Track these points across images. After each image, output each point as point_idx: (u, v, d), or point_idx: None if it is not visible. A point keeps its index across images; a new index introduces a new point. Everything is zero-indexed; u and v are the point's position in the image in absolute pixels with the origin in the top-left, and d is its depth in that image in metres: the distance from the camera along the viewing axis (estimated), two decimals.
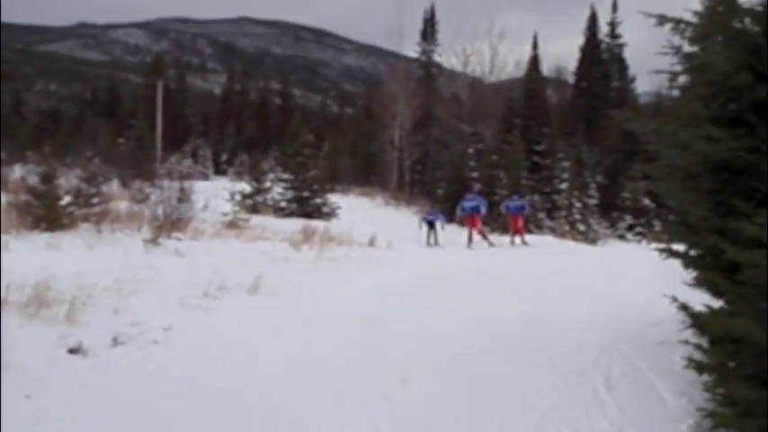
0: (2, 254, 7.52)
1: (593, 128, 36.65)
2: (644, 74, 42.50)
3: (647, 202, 29.59)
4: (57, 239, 9.79)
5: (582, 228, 27.34)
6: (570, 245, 19.19)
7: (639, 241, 25.85)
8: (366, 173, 38.89)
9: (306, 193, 23.12)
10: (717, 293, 4.41)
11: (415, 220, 20.61)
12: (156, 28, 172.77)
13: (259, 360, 5.47)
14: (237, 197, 21.20)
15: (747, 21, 4.06)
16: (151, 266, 8.40)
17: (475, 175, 28.46)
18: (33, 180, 12.32)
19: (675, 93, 5.36)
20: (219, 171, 52.33)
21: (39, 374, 4.60)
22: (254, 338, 6.19)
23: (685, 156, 4.40)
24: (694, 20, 4.37)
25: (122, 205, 14.40)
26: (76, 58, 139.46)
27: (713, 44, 4.30)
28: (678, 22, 4.40)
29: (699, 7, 4.37)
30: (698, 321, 4.45)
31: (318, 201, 23.25)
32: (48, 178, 11.68)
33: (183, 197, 13.35)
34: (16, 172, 20.52)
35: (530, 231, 19.55)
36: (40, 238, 9.87)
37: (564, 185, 29.00)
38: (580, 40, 41.64)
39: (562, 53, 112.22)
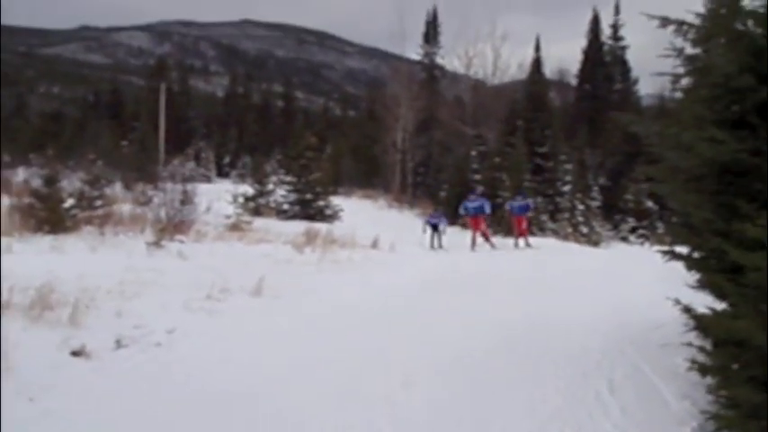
0: (5, 256, 7.54)
1: (596, 130, 36.60)
2: (647, 76, 42.53)
3: (649, 204, 29.55)
4: (60, 242, 9.80)
5: (585, 230, 27.30)
6: (573, 247, 19.15)
7: (642, 243, 25.85)
8: (369, 175, 38.89)
9: (308, 196, 23.11)
10: (720, 296, 4.40)
11: (418, 222, 20.59)
12: (158, 31, 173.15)
13: (262, 362, 5.47)
14: (240, 200, 21.20)
15: (750, 23, 4.06)
16: (154, 269, 8.41)
17: (477, 177, 28.42)
18: (36, 183, 12.36)
19: (678, 95, 5.36)
20: (222, 173, 52.38)
21: (42, 377, 4.61)
22: (257, 341, 6.19)
23: (688, 158, 4.40)
24: (697, 22, 4.37)
25: (125, 208, 14.41)
26: (79, 61, 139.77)
27: (716, 46, 4.30)
28: (681, 24, 4.41)
29: (701, 9, 4.37)
30: (701, 324, 4.45)
31: (321, 203, 23.24)
32: (51, 181, 11.71)
33: (186, 200, 13.36)
34: (19, 175, 20.58)
35: (532, 233, 19.50)
36: (44, 241, 9.88)
37: (567, 188, 28.93)
38: (583, 42, 41.64)
39: (565, 55, 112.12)
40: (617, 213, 31.44)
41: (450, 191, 29.42)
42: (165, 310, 6.68)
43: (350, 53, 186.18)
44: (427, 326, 6.96)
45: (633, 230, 30.32)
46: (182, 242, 11.07)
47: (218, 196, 17.90)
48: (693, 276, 4.96)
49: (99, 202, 12.53)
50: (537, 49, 33.81)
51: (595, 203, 30.41)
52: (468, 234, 17.34)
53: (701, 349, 4.21)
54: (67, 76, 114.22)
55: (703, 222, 4.44)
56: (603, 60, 41.18)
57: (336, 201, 24.49)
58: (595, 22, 41.24)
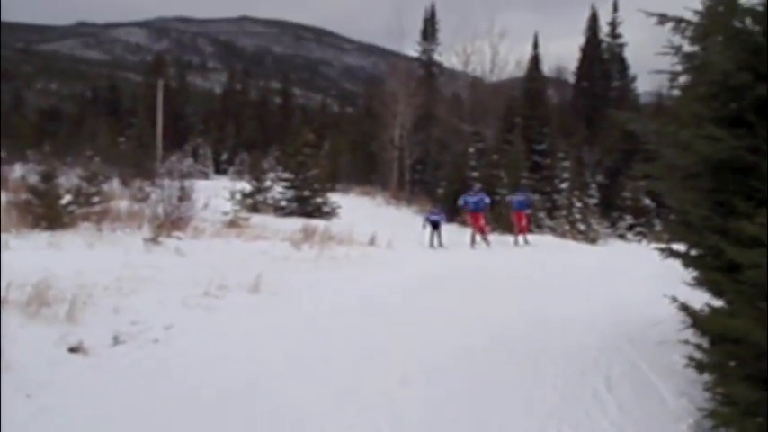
0: (2, 253, 7.52)
1: (594, 127, 36.62)
2: (644, 74, 42.37)
3: (647, 201, 29.56)
4: (57, 238, 9.79)
5: (582, 227, 27.30)
6: (570, 244, 19.17)
7: (640, 241, 25.83)
8: (366, 172, 38.85)
9: (306, 193, 23.11)
10: (717, 293, 4.41)
11: (416, 219, 20.57)
12: (156, 27, 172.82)
13: (260, 359, 5.47)
14: (238, 196, 21.20)
15: (748, 20, 4.06)
16: (152, 265, 8.40)
17: (475, 174, 28.38)
18: (34, 179, 12.32)
19: (676, 92, 5.36)
20: (220, 170, 52.28)
21: (39, 373, 4.61)
22: (254, 337, 6.19)
23: (686, 155, 4.40)
24: (695, 19, 4.37)
25: (123, 204, 14.39)
26: (77, 57, 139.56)
27: (714, 44, 4.30)
28: (679, 21, 4.40)
29: (699, 6, 4.37)
30: (698, 321, 4.45)
31: (319, 200, 23.24)
32: (48, 177, 11.69)
33: (184, 196, 13.35)
34: (17, 171, 20.47)
35: (530, 231, 19.50)
36: (41, 237, 9.87)
37: (564, 185, 28.97)
38: (581, 39, 41.61)
39: (563, 53, 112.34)
40: (614, 211, 31.45)
41: (447, 188, 29.39)
42: (163, 306, 6.68)
43: (348, 50, 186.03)
44: (425, 323, 6.96)
45: (630, 228, 30.33)
46: (179, 239, 11.06)
47: (216, 193, 17.89)
48: (691, 274, 4.97)
49: (96, 199, 12.51)
50: (535, 46, 33.86)
51: (593, 201, 30.41)
52: (466, 231, 17.35)
53: (698, 346, 4.22)
54: (65, 72, 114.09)
55: (701, 220, 4.44)
56: (601, 58, 41.16)
57: (334, 198, 24.49)
58: (593, 19, 41.23)
